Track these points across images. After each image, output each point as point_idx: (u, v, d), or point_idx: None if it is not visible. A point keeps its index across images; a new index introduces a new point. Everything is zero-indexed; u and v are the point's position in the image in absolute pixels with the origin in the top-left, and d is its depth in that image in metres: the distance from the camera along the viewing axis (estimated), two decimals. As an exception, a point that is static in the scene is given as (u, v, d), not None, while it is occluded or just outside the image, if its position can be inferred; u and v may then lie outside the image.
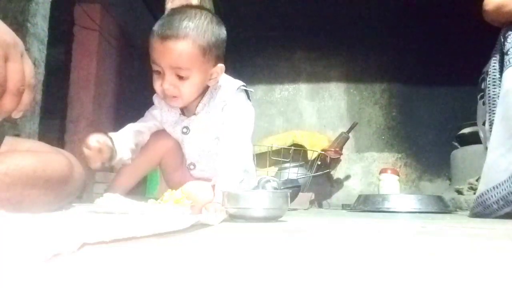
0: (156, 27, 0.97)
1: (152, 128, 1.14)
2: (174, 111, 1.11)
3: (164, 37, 0.94)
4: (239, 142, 1.03)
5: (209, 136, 1.08)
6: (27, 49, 1.75)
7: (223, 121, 1.06)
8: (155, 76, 0.99)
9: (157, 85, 0.99)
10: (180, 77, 0.96)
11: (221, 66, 1.03)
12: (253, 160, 1.13)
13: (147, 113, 1.15)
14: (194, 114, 1.08)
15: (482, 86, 1.22)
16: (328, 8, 2.66)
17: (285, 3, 2.71)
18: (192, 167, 1.13)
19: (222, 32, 1.02)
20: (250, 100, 1.11)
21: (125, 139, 1.05)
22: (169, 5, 1.88)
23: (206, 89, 1.07)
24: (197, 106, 1.08)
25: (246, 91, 1.11)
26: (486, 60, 1.22)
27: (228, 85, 1.09)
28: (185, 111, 1.10)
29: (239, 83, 1.10)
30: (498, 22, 1.16)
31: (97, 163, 0.95)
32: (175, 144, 1.13)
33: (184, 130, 1.09)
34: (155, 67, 0.98)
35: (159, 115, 1.12)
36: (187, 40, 0.94)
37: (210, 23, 0.99)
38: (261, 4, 2.69)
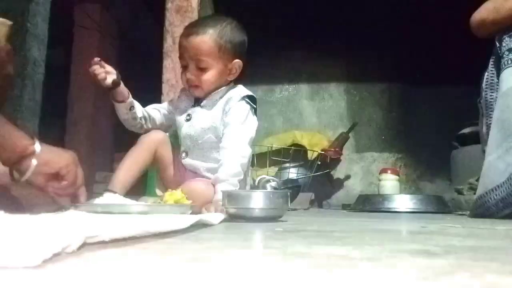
0: (183, 29, 1.18)
1: (164, 110, 1.25)
2: (189, 100, 1.21)
3: (188, 35, 1.13)
4: (238, 145, 1.10)
5: (205, 129, 1.15)
6: (28, 49, 1.75)
7: (225, 124, 1.13)
8: (182, 70, 1.16)
9: (183, 77, 1.16)
10: (201, 69, 1.12)
11: (238, 61, 1.16)
12: (249, 164, 1.20)
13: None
14: (200, 106, 1.18)
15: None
16: (328, 8, 2.66)
17: (285, 3, 2.71)
18: (184, 155, 1.19)
19: (240, 35, 1.17)
20: (255, 113, 1.20)
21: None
22: (169, 5, 1.88)
23: (224, 85, 1.18)
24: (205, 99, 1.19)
25: (252, 101, 1.18)
26: (486, 60, 1.23)
27: (236, 91, 1.17)
28: (196, 103, 1.20)
29: (245, 93, 1.18)
30: (484, 35, 1.24)
31: (105, 77, 1.10)
32: (165, 136, 1.21)
33: (187, 117, 1.18)
34: (182, 62, 1.15)
35: (175, 102, 1.25)
36: (205, 36, 1.11)
37: (229, 25, 1.15)
38: (261, 5, 2.68)
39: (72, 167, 0.78)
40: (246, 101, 1.16)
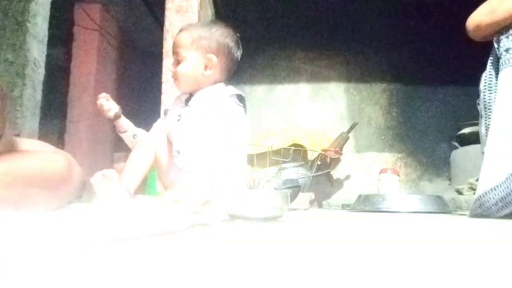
0: None
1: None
2: (181, 103, 1.23)
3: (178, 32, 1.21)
4: (229, 145, 1.09)
5: (194, 128, 1.15)
6: (27, 49, 1.75)
7: (214, 124, 1.12)
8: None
9: None
10: (178, 61, 1.17)
11: (212, 56, 1.16)
12: (245, 162, 1.18)
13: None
14: (188, 105, 1.19)
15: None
16: (328, 8, 2.66)
17: (285, 3, 2.71)
18: (176, 153, 1.18)
19: (225, 38, 1.19)
20: (245, 110, 1.18)
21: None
22: (169, 5, 1.88)
23: (203, 84, 1.18)
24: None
25: (241, 101, 1.17)
26: (486, 60, 1.23)
27: (223, 90, 1.17)
28: (186, 103, 1.21)
29: (233, 91, 1.17)
30: (480, 38, 1.25)
31: (109, 109, 1.32)
32: (163, 136, 1.21)
33: (178, 117, 1.19)
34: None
35: (168, 113, 1.29)
36: (186, 31, 1.18)
37: (216, 28, 1.19)
38: (261, 5, 2.68)
39: None
40: (235, 100, 1.16)
